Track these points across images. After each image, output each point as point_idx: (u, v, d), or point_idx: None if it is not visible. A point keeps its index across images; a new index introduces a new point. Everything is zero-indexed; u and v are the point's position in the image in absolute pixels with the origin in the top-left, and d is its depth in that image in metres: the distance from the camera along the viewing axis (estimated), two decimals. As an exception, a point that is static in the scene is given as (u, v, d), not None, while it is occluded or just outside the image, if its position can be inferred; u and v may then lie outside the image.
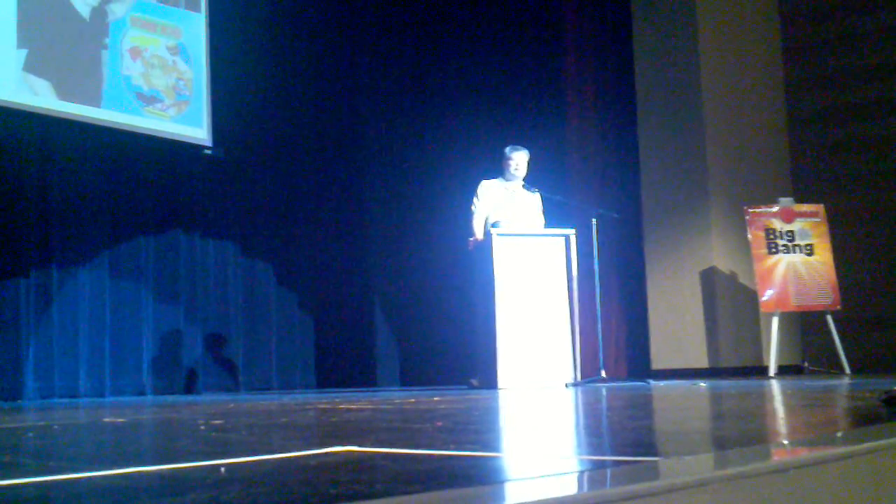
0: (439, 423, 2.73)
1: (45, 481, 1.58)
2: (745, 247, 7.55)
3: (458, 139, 8.13)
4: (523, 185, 6.29)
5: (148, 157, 6.96)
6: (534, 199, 6.33)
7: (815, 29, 8.50)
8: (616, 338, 7.81)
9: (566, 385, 5.76)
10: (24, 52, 6.15)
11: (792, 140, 8.54)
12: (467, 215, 6.27)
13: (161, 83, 6.91)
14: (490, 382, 5.77)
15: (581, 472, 1.55)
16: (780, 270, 7.40)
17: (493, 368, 5.75)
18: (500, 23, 8.30)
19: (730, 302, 7.77)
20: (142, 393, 6.64)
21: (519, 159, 6.27)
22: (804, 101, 8.49)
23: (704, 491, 1.30)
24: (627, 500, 1.20)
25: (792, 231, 7.49)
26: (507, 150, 6.32)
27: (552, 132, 7.90)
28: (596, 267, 6.21)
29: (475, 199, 6.24)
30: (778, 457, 1.67)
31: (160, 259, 6.95)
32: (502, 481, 1.49)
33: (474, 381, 6.11)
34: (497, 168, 6.37)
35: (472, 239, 6.16)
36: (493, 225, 5.98)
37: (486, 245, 5.97)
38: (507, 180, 6.29)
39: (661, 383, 6.18)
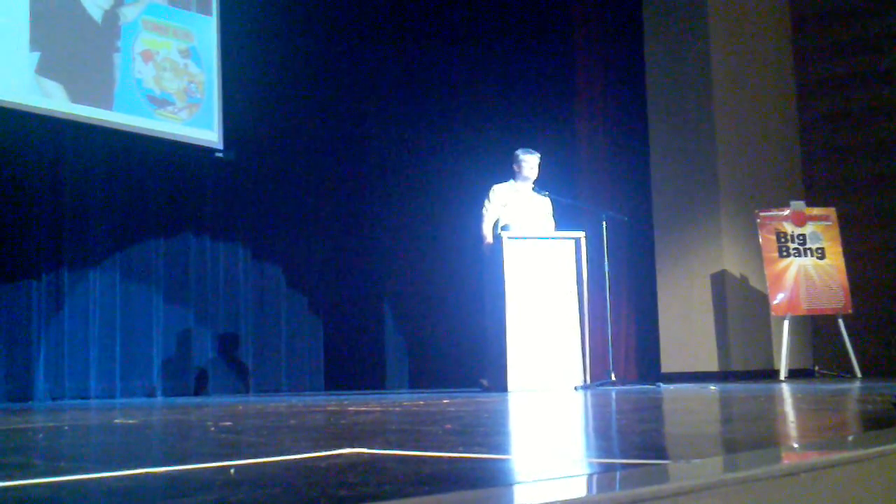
0: (448, 426, 2.73)
1: (56, 482, 1.58)
2: (756, 250, 7.52)
3: (468, 142, 8.12)
4: (534, 189, 6.29)
5: (159, 159, 6.98)
6: (544, 203, 6.33)
7: (827, 32, 8.47)
8: (626, 341, 7.79)
9: (576, 388, 5.75)
10: (36, 54, 6.18)
11: (803, 143, 8.51)
12: (478, 218, 6.27)
13: (172, 86, 6.93)
14: (500, 385, 5.77)
15: (590, 475, 1.55)
16: (791, 274, 7.37)
17: (502, 371, 5.75)
18: (511, 26, 8.29)
19: (740, 305, 7.74)
20: (152, 394, 6.66)
21: (530, 162, 6.27)
22: (816, 105, 8.46)
23: (714, 494, 1.30)
24: (636, 503, 1.20)
25: (803, 234, 7.46)
26: (519, 152, 6.32)
27: (563, 135, 7.89)
28: (606, 270, 6.21)
29: (486, 202, 6.24)
30: (788, 460, 1.66)
31: (171, 261, 6.97)
32: (511, 484, 1.49)
33: (484, 382, 6.11)
34: (508, 171, 6.36)
35: (487, 243, 6.17)
36: (504, 228, 5.98)
37: (496, 248, 5.97)
38: (518, 183, 6.29)
39: (671, 386, 6.16)
